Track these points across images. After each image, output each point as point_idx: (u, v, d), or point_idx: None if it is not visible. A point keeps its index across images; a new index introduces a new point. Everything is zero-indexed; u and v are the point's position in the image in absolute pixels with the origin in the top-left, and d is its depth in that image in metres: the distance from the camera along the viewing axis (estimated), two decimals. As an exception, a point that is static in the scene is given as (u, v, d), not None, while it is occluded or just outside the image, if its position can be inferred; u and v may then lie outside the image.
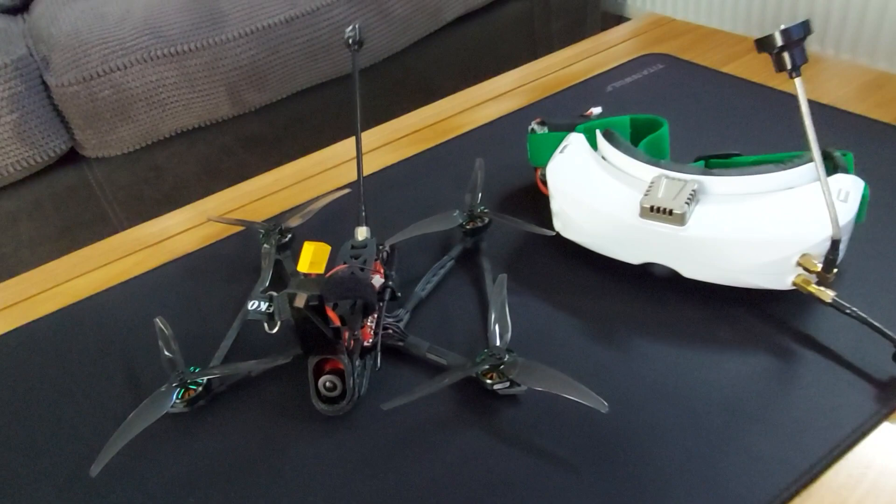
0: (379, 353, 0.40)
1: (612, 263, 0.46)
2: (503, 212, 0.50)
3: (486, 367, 0.38)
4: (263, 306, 0.41)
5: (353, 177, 0.62)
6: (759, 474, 0.33)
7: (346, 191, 0.55)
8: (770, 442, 0.35)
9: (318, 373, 0.39)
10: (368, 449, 0.37)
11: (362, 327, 0.41)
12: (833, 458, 0.34)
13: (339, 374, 0.38)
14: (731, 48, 0.72)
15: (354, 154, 0.66)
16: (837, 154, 0.42)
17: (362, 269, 0.42)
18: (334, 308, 0.41)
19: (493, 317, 0.40)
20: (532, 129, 0.52)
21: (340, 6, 1.10)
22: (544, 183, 0.53)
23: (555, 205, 0.47)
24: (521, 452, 0.36)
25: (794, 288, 0.39)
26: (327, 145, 0.69)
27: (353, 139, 0.69)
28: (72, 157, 1.07)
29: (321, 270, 0.40)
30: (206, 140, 1.15)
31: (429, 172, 0.60)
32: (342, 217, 0.50)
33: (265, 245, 0.50)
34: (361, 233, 0.47)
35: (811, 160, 0.41)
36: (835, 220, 0.36)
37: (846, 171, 0.41)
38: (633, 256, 0.44)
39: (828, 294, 0.38)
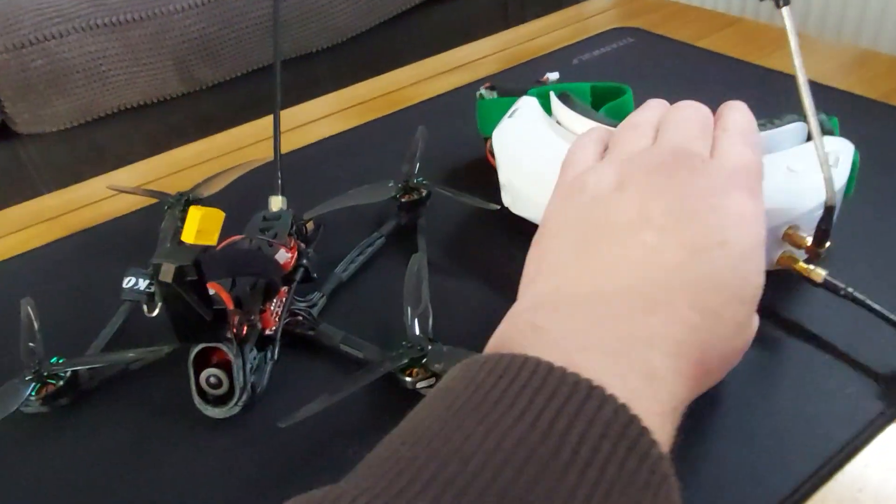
0: (277, 343, 0.33)
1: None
2: (453, 186, 0.43)
3: (405, 361, 0.31)
4: (142, 284, 0.34)
5: (291, 146, 0.55)
6: (749, 484, 0.27)
7: (269, 159, 0.48)
8: (760, 449, 0.28)
9: (202, 365, 0.32)
10: (261, 463, 0.30)
11: (263, 311, 0.34)
12: (835, 465, 0.27)
13: (227, 367, 0.31)
14: (706, 23, 0.66)
15: (296, 123, 0.59)
16: (823, 117, 0.37)
17: (267, 240, 0.35)
18: (231, 288, 0.34)
19: (408, 304, 0.33)
20: (480, 95, 0.45)
21: (300, -21, 1.03)
22: (493, 154, 0.46)
23: (502, 176, 0.40)
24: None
25: (778, 268, 0.33)
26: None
27: (298, 108, 0.62)
28: (2, 132, 0.98)
29: (212, 241, 0.33)
30: (153, 119, 1.07)
31: (372, 144, 0.53)
32: (265, 190, 0.43)
33: (168, 217, 0.43)
34: (276, 203, 0.40)
35: (795, 121, 0.36)
36: (829, 183, 0.30)
37: (829, 131, 0.36)
38: None
39: (819, 273, 0.32)
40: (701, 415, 0.30)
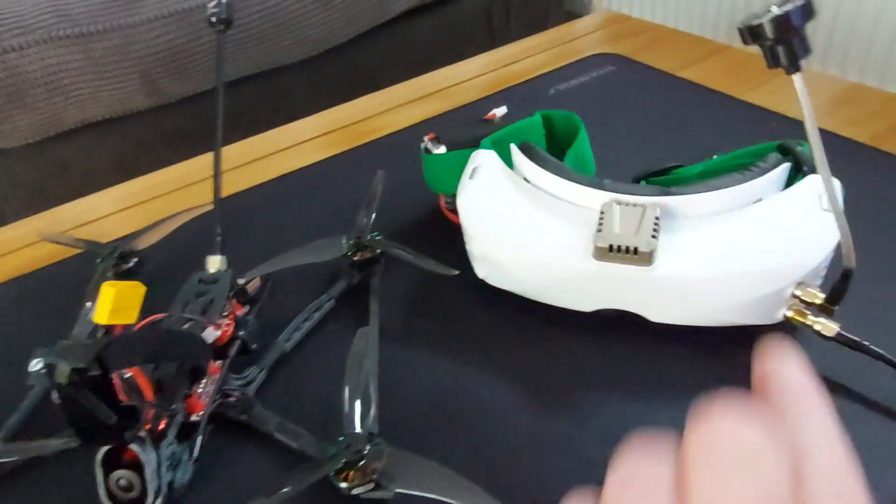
0: (198, 442, 0.29)
1: (543, 308, 0.36)
2: (408, 240, 0.40)
3: (341, 463, 0.28)
4: (50, 367, 0.30)
5: (247, 183, 0.51)
6: None
7: (210, 207, 0.44)
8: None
9: (113, 464, 0.28)
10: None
11: (189, 396, 0.30)
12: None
13: (139, 467, 0.28)
14: (689, 50, 0.63)
15: (253, 156, 0.55)
16: (799, 149, 0.34)
17: (192, 319, 0.32)
18: (155, 369, 0.30)
19: (347, 391, 0.30)
20: (425, 149, 0.42)
21: (273, -10, 0.99)
22: (452, 210, 0.43)
23: (475, 249, 0.37)
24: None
25: (783, 321, 0.32)
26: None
27: (259, 138, 0.58)
28: (-42, 147, 0.94)
29: (131, 320, 0.30)
30: (119, 133, 1.03)
31: (333, 183, 0.50)
32: (207, 240, 0.40)
33: (98, 273, 0.40)
34: (213, 263, 0.36)
35: (780, 162, 0.33)
36: (848, 249, 0.28)
37: (812, 168, 0.33)
38: (585, 304, 0.34)
39: (832, 327, 0.31)
40: None
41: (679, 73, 0.59)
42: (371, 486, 0.27)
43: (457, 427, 0.32)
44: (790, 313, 0.32)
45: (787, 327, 0.33)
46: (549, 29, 0.71)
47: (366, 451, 0.28)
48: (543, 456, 0.30)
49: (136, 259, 0.41)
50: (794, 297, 0.31)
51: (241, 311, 0.36)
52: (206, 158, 0.57)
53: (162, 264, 0.43)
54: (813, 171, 0.34)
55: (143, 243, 0.41)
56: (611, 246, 0.31)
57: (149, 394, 0.29)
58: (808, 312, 0.31)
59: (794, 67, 0.26)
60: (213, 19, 0.39)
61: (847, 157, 0.46)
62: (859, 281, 0.30)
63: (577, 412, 0.32)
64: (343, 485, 0.27)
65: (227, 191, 0.51)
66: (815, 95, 0.54)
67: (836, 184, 0.33)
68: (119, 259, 0.40)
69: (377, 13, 1.13)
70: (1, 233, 0.50)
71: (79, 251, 0.45)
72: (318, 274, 0.41)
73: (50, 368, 0.25)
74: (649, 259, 0.31)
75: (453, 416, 0.32)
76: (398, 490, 0.27)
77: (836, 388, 0.31)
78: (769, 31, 0.25)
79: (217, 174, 0.38)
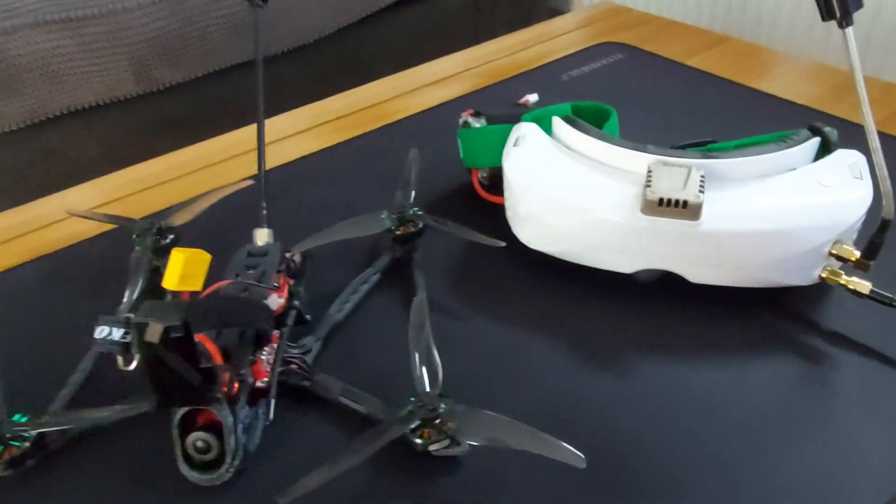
0: (272, 403, 0.30)
1: (584, 272, 0.38)
2: (440, 214, 0.41)
3: (417, 422, 0.28)
4: (117, 334, 0.30)
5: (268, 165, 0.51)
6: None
7: (248, 182, 0.44)
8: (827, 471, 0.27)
9: (189, 427, 0.28)
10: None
11: (254, 362, 0.31)
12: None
13: (216, 429, 0.28)
14: (693, 40, 0.65)
15: (267, 139, 0.56)
16: (827, 129, 0.37)
17: (256, 286, 0.32)
18: (216, 338, 0.31)
19: (416, 355, 0.31)
20: (465, 122, 0.43)
21: (267, -23, 0.99)
22: (485, 187, 0.44)
23: (522, 209, 0.38)
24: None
25: (818, 282, 0.34)
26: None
27: (268, 123, 0.58)
28: (-60, 133, 0.91)
29: (198, 287, 0.30)
30: (107, 120, 1.01)
31: (354, 165, 0.50)
32: (242, 216, 0.40)
33: (137, 248, 0.39)
34: (262, 236, 0.37)
35: (809, 137, 0.36)
36: (888, 196, 0.31)
37: (838, 146, 0.37)
38: (629, 264, 0.36)
39: (865, 285, 0.33)
40: (756, 430, 0.29)
41: (686, 61, 0.61)
42: (446, 442, 0.28)
43: (509, 387, 0.33)
44: (825, 274, 0.34)
45: (821, 289, 0.35)
46: (547, 20, 0.73)
47: (441, 409, 0.29)
48: (594, 408, 0.32)
49: (172, 235, 0.41)
50: (832, 254, 0.33)
51: (290, 283, 0.36)
52: (231, 136, 0.56)
53: (196, 241, 0.43)
54: (838, 145, 0.36)
55: (180, 219, 0.41)
56: (661, 199, 0.32)
57: (218, 358, 0.29)
58: (843, 272, 0.33)
59: (846, 20, 0.28)
60: (254, -5, 0.40)
61: (856, 140, 0.48)
62: (886, 244, 0.33)
63: (622, 372, 0.33)
64: (419, 441, 0.28)
65: (244, 172, 0.51)
66: (819, 84, 0.57)
67: (862, 157, 0.36)
68: (157, 235, 0.40)
69: (369, 3, 1.13)
70: (26, 209, 0.49)
71: (107, 228, 0.45)
72: (357, 249, 0.41)
73: (141, 328, 0.25)
74: (697, 213, 0.32)
75: (505, 377, 0.34)
76: (472, 443, 0.28)
77: (868, 347, 0.33)
78: None
79: (261, 147, 0.38)
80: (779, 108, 0.52)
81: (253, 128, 0.58)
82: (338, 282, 0.39)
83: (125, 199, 0.50)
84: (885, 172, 0.31)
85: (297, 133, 0.56)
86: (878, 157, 0.30)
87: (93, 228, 0.46)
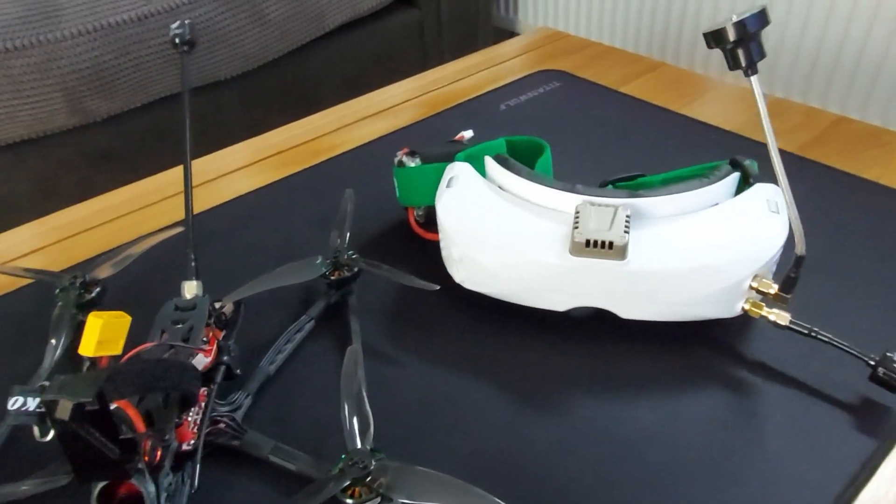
0: (197, 469, 0.29)
1: (520, 311, 0.38)
2: (378, 255, 0.40)
3: (347, 481, 0.28)
4: (32, 404, 0.29)
5: (201, 206, 0.50)
6: None
7: (178, 230, 0.43)
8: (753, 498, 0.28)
9: (110, 499, 0.27)
10: None
11: (179, 425, 0.30)
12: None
13: (139, 500, 0.27)
14: (627, 67, 0.66)
15: (205, 177, 0.54)
16: (747, 162, 0.38)
17: (182, 346, 0.31)
18: (139, 402, 0.30)
19: (345, 408, 0.30)
20: (400, 162, 0.43)
21: (205, 5, 0.97)
22: (421, 224, 0.44)
23: (455, 251, 0.38)
24: None
25: (741, 314, 0.35)
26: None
27: (208, 159, 0.57)
28: None
29: (117, 351, 0.29)
30: (39, 154, 0.97)
31: (290, 204, 0.50)
32: (173, 265, 0.39)
33: (60, 304, 0.38)
34: (190, 289, 0.36)
35: (730, 172, 0.37)
36: (800, 234, 0.32)
37: (757, 179, 0.38)
38: (562, 302, 0.36)
39: (785, 316, 0.34)
40: (693, 465, 0.29)
41: (620, 88, 0.62)
42: (378, 500, 0.28)
43: (446, 435, 0.33)
44: (747, 306, 0.35)
45: (745, 320, 0.36)
46: (488, 47, 0.74)
47: (372, 467, 0.28)
48: (534, 455, 0.32)
49: (98, 288, 0.39)
50: (752, 288, 0.34)
51: (219, 337, 0.35)
52: (161, 178, 0.55)
53: (124, 292, 0.41)
54: (758, 181, 0.37)
55: (106, 272, 0.40)
56: (587, 241, 0.33)
57: (140, 425, 0.28)
58: (764, 304, 0.34)
59: (751, 69, 0.29)
60: (177, 41, 0.39)
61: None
62: (802, 277, 0.34)
63: (560, 413, 0.34)
64: (350, 501, 0.28)
65: (177, 215, 0.50)
66: (745, 110, 0.58)
67: (779, 191, 0.37)
68: (81, 289, 0.39)
69: (312, 28, 1.13)
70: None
71: (27, 282, 0.43)
72: (292, 294, 0.41)
73: (50, 405, 0.24)
74: (623, 253, 0.33)
75: (442, 425, 0.33)
76: (404, 502, 0.28)
77: (786, 374, 0.34)
78: (730, 34, 0.30)
79: (188, 194, 0.37)
80: (708, 134, 0.54)
81: (197, 163, 0.56)
82: (272, 329, 0.38)
83: (52, 246, 0.48)
84: (796, 212, 0.32)
85: (237, 170, 0.55)
86: (788, 196, 0.31)
87: (14, 282, 0.44)
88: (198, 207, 0.50)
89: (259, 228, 0.47)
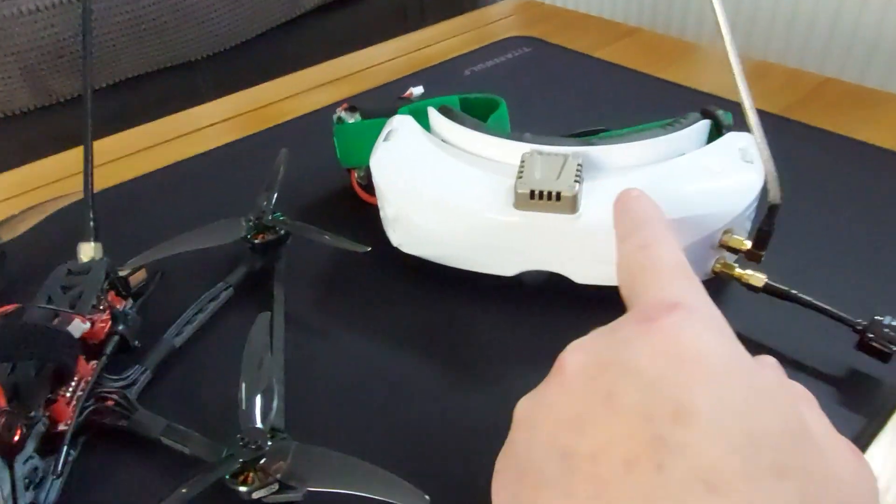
0: (63, 452, 0.25)
1: (465, 278, 0.33)
2: (317, 221, 0.36)
3: (238, 464, 0.24)
4: None
5: (132, 173, 0.46)
6: None
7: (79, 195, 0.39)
8: None
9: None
10: None
11: (53, 402, 0.26)
12: None
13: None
14: (602, 33, 0.62)
15: (147, 143, 0.50)
16: (720, 112, 0.34)
17: (58, 314, 0.27)
18: (11, 371, 0.26)
19: (243, 383, 0.26)
20: (339, 118, 0.39)
21: (171, -20, 0.93)
22: (363, 187, 0.40)
23: (389, 210, 0.34)
24: None
25: (712, 277, 0.31)
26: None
27: (143, 127, 0.53)
28: None
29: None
30: (4, 135, 0.93)
31: (226, 172, 0.46)
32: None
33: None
34: (86, 251, 0.32)
35: (698, 119, 0.33)
36: (774, 180, 0.27)
37: (730, 129, 0.34)
38: (507, 266, 0.32)
39: (760, 278, 0.30)
40: None
41: (594, 53, 0.58)
42: (276, 487, 0.24)
43: (375, 414, 0.29)
44: (718, 267, 0.30)
45: (716, 283, 0.32)
46: (464, 14, 0.70)
47: (266, 448, 0.24)
48: (467, 437, 0.27)
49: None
50: (722, 246, 0.30)
51: (121, 306, 0.31)
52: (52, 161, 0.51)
53: (29, 261, 0.37)
54: (730, 129, 0.33)
55: (5, 236, 0.36)
56: (532, 192, 0.29)
57: (2, 401, 0.24)
58: (736, 266, 0.30)
59: None
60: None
61: (762, 126, 0.46)
62: (778, 241, 0.30)
63: (502, 388, 0.29)
64: (243, 489, 0.24)
65: (115, 179, 0.46)
66: (726, 73, 0.54)
67: (751, 138, 0.33)
68: (-23, 254, 0.35)
69: (287, 8, 1.09)
70: None
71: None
72: (218, 263, 0.37)
73: None
74: (573, 205, 0.29)
75: (371, 403, 0.29)
76: (309, 489, 0.24)
77: (763, 345, 0.30)
78: None
79: (87, 149, 0.33)
80: (684, 96, 0.50)
81: (148, 127, 0.52)
82: (191, 299, 0.34)
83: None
84: (769, 154, 0.27)
85: (170, 139, 0.51)
86: (759, 135, 0.27)
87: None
88: (130, 174, 0.46)
89: (183, 200, 0.43)
